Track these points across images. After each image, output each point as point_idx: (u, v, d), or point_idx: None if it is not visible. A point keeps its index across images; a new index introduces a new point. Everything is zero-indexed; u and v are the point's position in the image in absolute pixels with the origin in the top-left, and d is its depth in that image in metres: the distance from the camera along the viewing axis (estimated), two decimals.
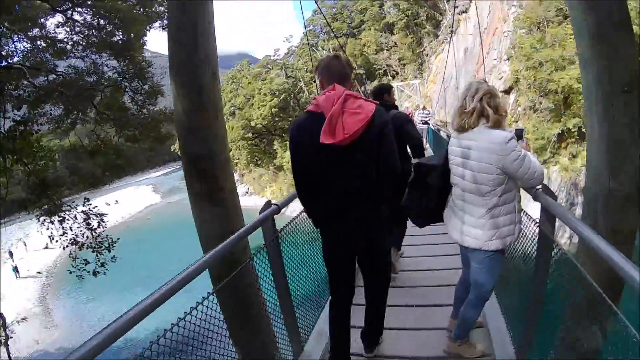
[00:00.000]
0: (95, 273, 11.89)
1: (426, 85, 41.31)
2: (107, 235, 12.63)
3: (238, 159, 46.07)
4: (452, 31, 31.47)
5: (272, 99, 42.77)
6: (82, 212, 12.27)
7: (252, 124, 43.49)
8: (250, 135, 44.70)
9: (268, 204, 2.91)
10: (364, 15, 50.00)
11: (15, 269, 36.53)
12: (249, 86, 47.12)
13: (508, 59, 26.39)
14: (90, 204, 12.66)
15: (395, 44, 46.79)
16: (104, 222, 12.81)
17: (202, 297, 2.02)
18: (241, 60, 57.26)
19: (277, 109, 42.91)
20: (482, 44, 24.13)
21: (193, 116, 4.34)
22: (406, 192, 2.95)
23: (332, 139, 2.21)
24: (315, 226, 2.82)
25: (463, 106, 2.51)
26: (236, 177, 54.87)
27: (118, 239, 12.87)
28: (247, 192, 50.01)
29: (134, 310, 1.42)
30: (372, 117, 2.26)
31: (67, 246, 12.17)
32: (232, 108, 47.57)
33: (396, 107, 5.04)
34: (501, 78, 26.06)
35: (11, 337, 14.00)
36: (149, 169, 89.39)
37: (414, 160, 4.18)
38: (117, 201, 59.92)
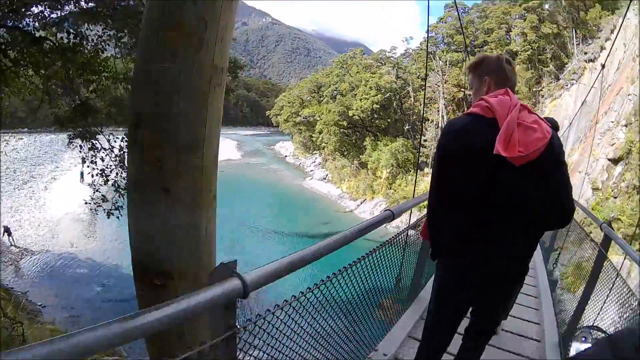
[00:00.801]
0: (109, 214, 11.70)
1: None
2: None
3: (327, 143, 46.64)
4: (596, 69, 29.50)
5: (377, 95, 42.68)
6: (119, 147, 11.73)
7: (350, 113, 43.64)
8: (345, 123, 44.92)
9: (222, 269, 1.45)
10: (489, 36, 48.37)
11: (82, 174, 39.41)
12: (356, 75, 47.40)
13: (626, 126, 24.38)
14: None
15: None
16: None
17: None
18: (355, 47, 57.80)
19: (378, 106, 42.90)
20: (602, 102, 23.00)
21: (158, 38, 2.19)
22: None
23: (506, 153, 1.84)
24: (445, 250, 2.28)
25: None
26: (319, 160, 56.02)
27: None
28: (324, 178, 51.23)
29: None
30: (550, 139, 1.87)
31: (94, 175, 11.78)
32: (335, 92, 48.38)
33: None
34: (613, 144, 24.30)
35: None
36: (239, 126, 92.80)
37: None
38: None
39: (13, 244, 25.36)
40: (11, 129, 52.12)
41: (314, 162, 58.41)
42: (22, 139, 52.83)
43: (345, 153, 46.99)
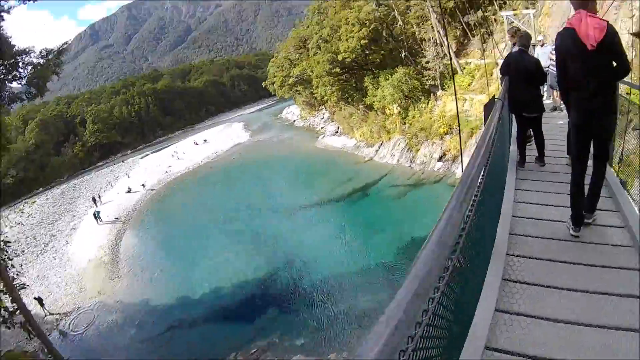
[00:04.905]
0: None
1: (539, 18, 32.40)
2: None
3: (327, 95, 43.48)
4: None
5: (361, 29, 38.52)
6: None
7: (340, 57, 39.70)
8: (337, 70, 41.10)
9: None
10: None
11: (96, 215, 38.73)
12: (335, 16, 43.27)
13: None
14: None
15: None
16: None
17: None
18: None
19: (366, 41, 38.82)
20: None
21: None
22: None
23: None
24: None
25: None
26: (327, 115, 53.86)
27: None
28: (337, 132, 49.29)
29: None
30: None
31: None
32: (319, 41, 44.14)
33: None
34: (633, 16, 19.73)
35: None
36: (242, 106, 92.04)
37: None
38: (205, 140, 66.30)
39: (47, 313, 25.26)
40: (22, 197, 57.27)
41: (323, 118, 56.45)
42: (34, 202, 56.11)
43: (349, 100, 43.75)
